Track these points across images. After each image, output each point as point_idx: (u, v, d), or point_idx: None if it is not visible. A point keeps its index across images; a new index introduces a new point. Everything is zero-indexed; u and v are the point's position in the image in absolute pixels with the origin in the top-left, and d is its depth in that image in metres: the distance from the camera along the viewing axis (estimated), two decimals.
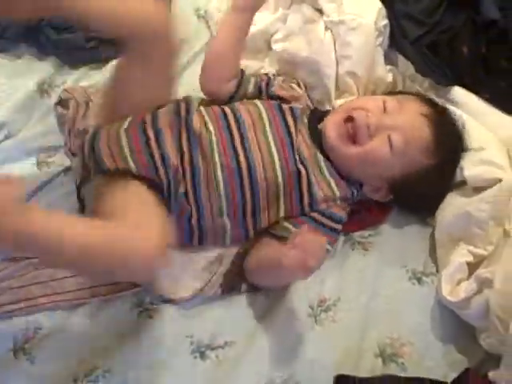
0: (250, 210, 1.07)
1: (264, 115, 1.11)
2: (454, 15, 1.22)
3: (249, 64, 1.30)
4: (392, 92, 1.25)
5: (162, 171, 1.02)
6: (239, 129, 1.09)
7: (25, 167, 1.19)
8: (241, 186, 1.06)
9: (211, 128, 1.07)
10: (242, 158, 1.06)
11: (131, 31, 1.01)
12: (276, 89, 1.19)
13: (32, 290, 1.07)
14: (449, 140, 1.13)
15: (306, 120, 1.14)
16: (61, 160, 1.21)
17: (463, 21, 1.22)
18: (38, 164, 1.20)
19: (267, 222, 1.09)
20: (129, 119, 1.08)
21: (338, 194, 1.10)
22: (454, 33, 1.21)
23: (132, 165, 1.02)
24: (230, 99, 1.18)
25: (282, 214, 1.09)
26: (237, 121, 1.09)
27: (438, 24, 1.23)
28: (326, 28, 1.24)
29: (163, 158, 1.03)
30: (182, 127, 1.07)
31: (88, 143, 1.06)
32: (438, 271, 1.13)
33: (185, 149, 1.05)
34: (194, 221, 1.06)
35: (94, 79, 1.32)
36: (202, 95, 1.21)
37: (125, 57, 1.07)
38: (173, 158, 1.03)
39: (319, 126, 1.14)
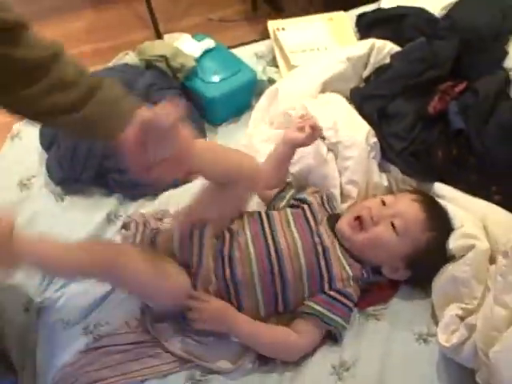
0: (281, 293, 1.30)
1: (290, 216, 1.39)
2: (429, 130, 1.50)
3: None
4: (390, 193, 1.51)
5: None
6: (270, 226, 1.36)
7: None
8: (271, 273, 1.29)
9: (248, 231, 1.35)
10: (272, 250, 1.31)
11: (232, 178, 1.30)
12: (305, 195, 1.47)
13: (104, 373, 1.25)
14: (439, 215, 1.37)
15: (325, 219, 1.40)
16: None
17: (437, 133, 1.49)
18: None
19: (294, 301, 1.31)
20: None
21: (350, 273, 1.32)
22: (430, 142, 1.48)
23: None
24: (273, 200, 1.48)
25: (306, 293, 1.31)
26: (269, 222, 1.37)
27: (417, 138, 1.49)
28: (328, 149, 1.52)
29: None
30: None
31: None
32: None
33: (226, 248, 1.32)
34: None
35: (148, 208, 1.57)
36: None
37: (213, 185, 1.34)
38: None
39: (337, 225, 1.40)
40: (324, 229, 1.37)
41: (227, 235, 1.35)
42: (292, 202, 1.47)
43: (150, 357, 1.29)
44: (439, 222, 1.36)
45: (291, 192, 1.50)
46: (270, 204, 1.49)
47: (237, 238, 1.34)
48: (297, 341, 1.29)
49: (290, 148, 1.48)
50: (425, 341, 1.31)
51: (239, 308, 1.30)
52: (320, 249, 1.33)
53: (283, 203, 1.47)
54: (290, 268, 1.30)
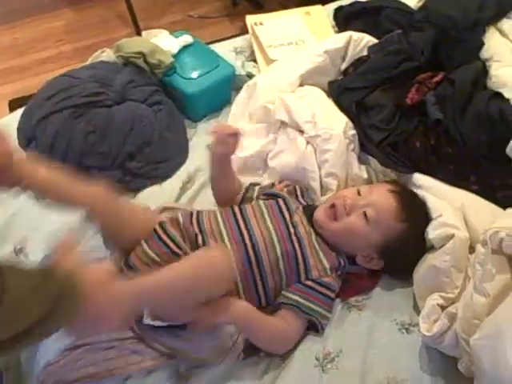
0: (259, 276, 1.30)
1: (263, 207, 1.40)
2: (407, 121, 1.51)
3: (251, 180, 1.57)
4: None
5: None
6: (243, 217, 1.37)
7: None
8: (248, 260, 1.30)
9: (220, 219, 1.36)
10: (246, 237, 1.32)
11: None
12: (272, 191, 1.48)
13: (89, 370, 1.25)
14: (414, 206, 1.38)
15: (301, 208, 1.41)
16: None
17: (415, 124, 1.50)
18: None
19: (274, 288, 1.32)
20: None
21: (325, 263, 1.34)
22: (408, 133, 1.49)
23: None
24: (240, 203, 1.48)
25: (284, 283, 1.32)
26: (241, 212, 1.38)
27: (396, 128, 1.50)
28: (307, 142, 1.53)
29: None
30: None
31: None
32: None
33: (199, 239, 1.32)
34: None
35: None
36: None
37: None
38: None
39: (314, 213, 1.41)
40: (299, 218, 1.38)
41: (198, 234, 1.34)
42: (262, 197, 1.48)
43: (133, 353, 1.28)
44: (413, 213, 1.37)
45: (256, 189, 1.51)
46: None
47: (211, 233, 1.34)
48: (287, 329, 1.29)
49: (220, 162, 1.47)
50: (407, 330, 1.32)
51: None
52: (295, 238, 1.34)
53: (253, 201, 1.48)
54: (267, 258, 1.31)
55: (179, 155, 1.71)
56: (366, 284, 1.40)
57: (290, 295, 1.31)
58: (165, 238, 1.33)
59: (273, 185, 1.52)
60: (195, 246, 1.31)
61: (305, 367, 1.27)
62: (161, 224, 1.36)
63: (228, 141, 1.40)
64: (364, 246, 1.37)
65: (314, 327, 1.32)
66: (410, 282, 1.38)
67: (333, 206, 1.38)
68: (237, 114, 1.74)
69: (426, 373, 1.25)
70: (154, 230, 1.36)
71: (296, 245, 1.33)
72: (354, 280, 1.40)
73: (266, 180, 1.60)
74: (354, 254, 1.39)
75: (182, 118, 1.80)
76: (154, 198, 1.60)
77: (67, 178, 1.28)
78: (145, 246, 1.33)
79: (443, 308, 1.26)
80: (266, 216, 1.37)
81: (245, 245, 1.32)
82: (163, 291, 1.14)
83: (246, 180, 1.57)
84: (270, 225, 1.35)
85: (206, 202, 1.57)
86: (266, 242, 1.32)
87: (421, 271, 1.33)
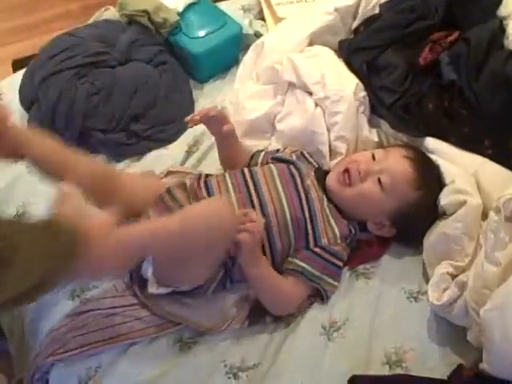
0: (267, 243, 1.27)
1: (274, 170, 1.35)
2: (420, 82, 1.44)
3: (257, 143, 1.54)
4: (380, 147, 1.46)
5: None
6: (253, 179, 1.32)
7: None
8: None
9: (229, 182, 1.32)
10: (256, 201, 1.28)
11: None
12: (279, 155, 1.44)
13: (92, 337, 1.24)
14: (430, 173, 1.34)
15: (312, 173, 1.37)
16: None
17: (428, 84, 1.43)
18: None
19: (282, 253, 1.29)
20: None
21: (336, 230, 1.30)
22: (421, 95, 1.42)
23: None
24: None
25: (292, 248, 1.29)
26: (251, 175, 1.34)
27: (408, 90, 1.43)
28: (316, 104, 1.48)
29: None
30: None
31: None
32: None
33: None
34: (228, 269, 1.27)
35: (134, 168, 1.55)
36: None
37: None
38: None
39: (326, 179, 1.37)
40: (311, 183, 1.34)
41: (204, 190, 1.31)
42: (271, 161, 1.43)
43: (137, 320, 1.27)
44: (429, 180, 1.32)
45: (262, 154, 1.47)
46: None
47: (216, 189, 1.31)
48: (292, 293, 1.28)
49: (223, 142, 1.45)
50: (415, 299, 1.30)
51: (232, 273, 1.29)
52: (305, 203, 1.30)
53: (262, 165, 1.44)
54: (275, 221, 1.28)
55: (185, 117, 1.66)
56: (375, 251, 1.37)
57: (296, 261, 1.28)
58: (171, 203, 1.30)
59: (278, 150, 1.48)
60: None
61: (310, 336, 1.25)
62: (168, 189, 1.33)
63: (217, 120, 1.37)
64: (377, 212, 1.33)
65: (319, 295, 1.29)
66: (419, 249, 1.35)
67: (346, 170, 1.34)
68: (244, 75, 1.68)
69: (434, 342, 1.23)
70: (161, 196, 1.32)
71: (306, 210, 1.29)
72: (363, 247, 1.37)
73: (273, 143, 1.55)
74: (365, 221, 1.35)
75: (188, 79, 1.75)
76: (159, 161, 1.57)
77: (65, 151, 1.24)
78: (151, 213, 1.30)
79: (453, 277, 1.22)
80: (277, 180, 1.33)
81: (253, 207, 1.28)
82: (164, 235, 1.13)
83: (252, 144, 1.54)
84: (281, 189, 1.31)
85: (213, 165, 1.54)
86: (276, 206, 1.29)
87: (431, 238, 1.29)
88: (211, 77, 1.79)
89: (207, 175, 1.38)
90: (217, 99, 1.70)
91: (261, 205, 1.28)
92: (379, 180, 1.30)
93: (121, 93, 1.58)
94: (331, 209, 1.33)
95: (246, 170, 1.36)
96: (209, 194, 1.30)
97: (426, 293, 1.28)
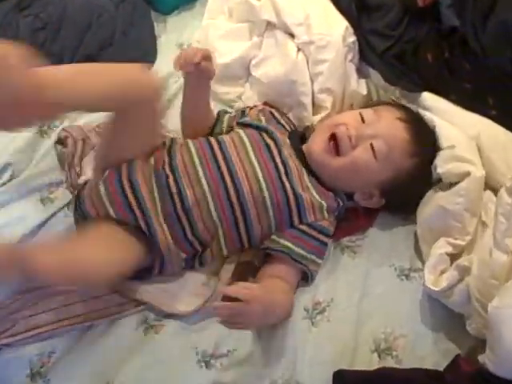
0: (243, 224, 1.13)
1: (245, 139, 1.18)
2: (417, 26, 1.29)
3: (229, 90, 1.39)
4: (367, 104, 1.31)
5: (138, 213, 1.10)
6: (223, 152, 1.15)
7: (29, 204, 1.25)
8: (230, 204, 1.12)
9: (195, 157, 1.15)
10: (227, 178, 1.12)
11: (124, 100, 1.02)
12: (247, 119, 1.26)
13: (44, 317, 1.12)
14: (426, 138, 1.20)
15: (287, 140, 1.21)
16: (63, 195, 1.27)
17: (426, 30, 1.29)
18: (42, 200, 1.27)
19: (260, 233, 1.15)
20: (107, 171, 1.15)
21: (324, 203, 1.16)
22: (417, 42, 1.28)
23: (111, 211, 1.11)
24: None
25: (273, 227, 1.15)
26: (220, 146, 1.17)
27: (403, 36, 1.29)
28: (298, 49, 1.31)
29: (138, 202, 1.10)
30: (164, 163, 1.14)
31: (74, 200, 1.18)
32: (423, 266, 1.15)
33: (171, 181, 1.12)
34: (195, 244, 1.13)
35: (89, 118, 1.37)
36: None
37: (112, 120, 1.11)
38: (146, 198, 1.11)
39: (303, 146, 1.22)
40: (288, 154, 1.18)
41: (167, 167, 1.14)
42: (238, 128, 1.26)
43: (95, 298, 1.14)
44: (424, 146, 1.18)
45: (226, 119, 1.29)
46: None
47: (184, 172, 1.13)
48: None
49: (195, 91, 1.24)
50: (407, 277, 1.19)
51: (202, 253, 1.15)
52: (285, 178, 1.15)
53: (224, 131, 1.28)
54: (252, 201, 1.12)
55: (146, 57, 1.47)
56: (361, 222, 1.24)
57: (280, 240, 1.15)
58: None
59: (243, 112, 1.30)
60: (166, 189, 1.12)
61: (292, 320, 1.13)
62: None
63: (200, 68, 1.16)
64: (367, 183, 1.19)
65: (304, 276, 1.17)
66: (410, 219, 1.23)
67: (332, 136, 1.18)
68: (214, 9, 1.49)
69: (427, 327, 1.13)
70: None
71: (287, 185, 1.14)
72: (348, 218, 1.23)
73: (247, 91, 1.39)
74: (352, 192, 1.21)
75: (149, 10, 1.56)
76: None
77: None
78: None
79: (452, 256, 1.10)
80: (250, 152, 1.16)
81: (225, 185, 1.12)
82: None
83: (223, 90, 1.37)
84: (256, 163, 1.15)
85: (177, 115, 1.33)
86: (251, 183, 1.13)
87: (426, 212, 1.17)
88: (175, 8, 1.60)
89: (171, 143, 1.20)
90: (182, 36, 1.52)
91: (233, 182, 1.12)
92: (371, 146, 1.15)
93: (71, 28, 1.41)
94: (313, 182, 1.18)
95: (213, 141, 1.19)
96: (172, 170, 1.13)
97: (418, 270, 1.18)
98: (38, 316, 1.12)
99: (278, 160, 1.16)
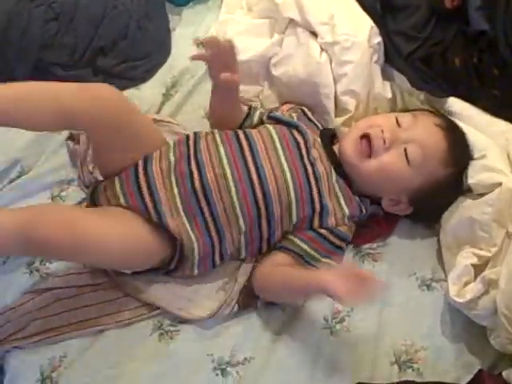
0: (266, 223, 1.11)
1: (274, 135, 1.15)
2: (444, 28, 1.26)
3: (248, 89, 1.35)
4: (403, 110, 1.27)
5: (152, 213, 1.06)
6: (250, 147, 1.12)
7: (40, 202, 1.21)
8: (255, 201, 1.09)
9: (222, 150, 1.11)
10: (253, 175, 1.09)
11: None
12: (278, 114, 1.23)
13: (56, 321, 1.10)
14: (462, 148, 1.16)
15: (319, 139, 1.18)
16: (74, 193, 1.24)
17: (453, 33, 1.26)
18: (53, 198, 1.23)
19: (280, 235, 1.13)
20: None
21: (346, 210, 1.14)
22: (445, 45, 1.26)
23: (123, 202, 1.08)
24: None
25: (291, 228, 1.13)
26: (248, 141, 1.13)
27: (429, 38, 1.27)
28: (322, 50, 1.28)
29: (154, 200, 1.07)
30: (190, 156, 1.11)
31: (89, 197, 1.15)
32: (446, 276, 1.14)
33: (195, 175, 1.08)
34: (216, 243, 1.10)
35: None
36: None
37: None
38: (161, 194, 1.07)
39: (334, 147, 1.19)
40: (317, 154, 1.15)
41: (192, 161, 1.10)
42: (268, 122, 1.22)
43: (108, 302, 1.13)
44: (461, 156, 1.15)
45: (258, 112, 1.25)
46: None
47: (211, 170, 1.10)
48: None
49: (225, 92, 1.18)
50: (428, 287, 1.16)
51: (221, 248, 1.11)
52: (313, 179, 1.12)
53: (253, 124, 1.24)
54: (277, 201, 1.09)
55: (160, 50, 1.43)
56: (382, 229, 1.21)
57: (297, 241, 1.12)
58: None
59: (276, 109, 1.28)
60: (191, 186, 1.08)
61: (310, 328, 1.11)
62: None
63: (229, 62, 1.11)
64: (397, 189, 1.16)
65: None
66: (432, 227, 1.21)
67: (365, 137, 1.14)
68: (231, 2, 1.46)
69: (449, 339, 1.11)
70: None
71: (314, 187, 1.11)
72: (368, 224, 1.20)
73: (266, 90, 1.36)
74: (379, 198, 1.18)
75: (164, 2, 1.52)
76: None
77: None
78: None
79: (476, 267, 1.08)
80: (279, 149, 1.13)
81: (251, 183, 1.09)
82: None
83: (241, 89, 1.31)
84: (284, 162, 1.12)
85: (195, 112, 1.35)
86: (278, 184, 1.10)
87: (453, 220, 1.14)
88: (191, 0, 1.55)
89: (195, 139, 1.15)
90: (199, 30, 1.48)
91: (260, 181, 1.09)
92: (405, 151, 1.12)
93: (85, 19, 1.36)
94: (341, 185, 1.15)
95: (241, 135, 1.15)
96: (198, 167, 1.09)
97: (439, 280, 1.16)
98: (48, 320, 1.10)
99: (306, 160, 1.13)
